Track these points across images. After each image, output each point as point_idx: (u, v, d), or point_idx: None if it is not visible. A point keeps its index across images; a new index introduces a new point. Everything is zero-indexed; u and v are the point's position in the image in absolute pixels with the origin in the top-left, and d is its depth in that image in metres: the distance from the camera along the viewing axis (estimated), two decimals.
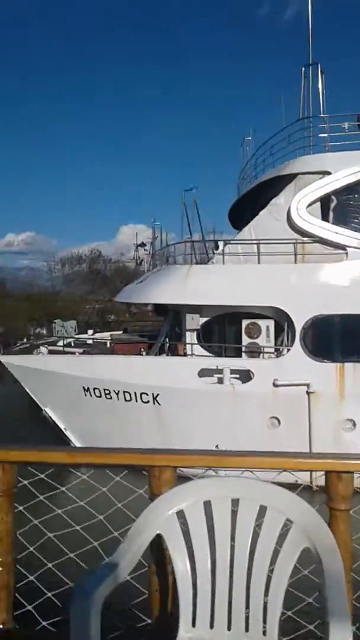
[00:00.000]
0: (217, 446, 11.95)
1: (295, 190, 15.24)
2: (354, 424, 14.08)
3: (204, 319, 15.64)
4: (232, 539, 2.27)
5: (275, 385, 14.05)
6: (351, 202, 15.17)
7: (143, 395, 14.97)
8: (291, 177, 15.55)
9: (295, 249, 14.71)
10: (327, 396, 14.13)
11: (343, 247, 14.63)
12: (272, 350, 14.94)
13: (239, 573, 2.22)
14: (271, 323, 14.87)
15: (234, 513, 2.31)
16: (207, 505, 2.32)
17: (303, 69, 16.69)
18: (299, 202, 15.00)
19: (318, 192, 15.09)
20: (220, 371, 14.47)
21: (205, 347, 15.63)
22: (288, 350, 14.57)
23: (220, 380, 14.42)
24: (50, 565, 3.20)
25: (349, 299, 14.19)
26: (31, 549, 3.12)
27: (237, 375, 14.57)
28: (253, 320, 14.96)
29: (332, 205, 15.14)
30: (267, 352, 14.98)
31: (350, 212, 15.17)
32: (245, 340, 15.07)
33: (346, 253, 14.54)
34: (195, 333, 15.72)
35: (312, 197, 15.09)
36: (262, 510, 2.28)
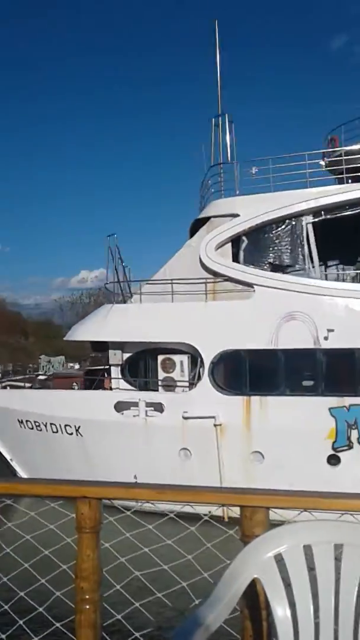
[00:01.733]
0: (135, 477, 13.25)
1: (207, 232, 16.73)
2: (262, 457, 14.76)
3: (129, 355, 17.02)
4: (337, 585, 2.19)
5: (184, 417, 15.09)
6: (260, 242, 16.49)
7: (67, 427, 16.34)
8: (205, 220, 17.14)
9: (205, 288, 16.10)
10: (234, 429, 14.98)
11: (250, 285, 15.83)
12: (186, 384, 16.11)
13: (344, 622, 2.13)
14: (185, 358, 16.16)
15: (337, 559, 2.24)
16: (308, 549, 2.26)
17: (213, 119, 18.46)
18: (208, 243, 16.48)
19: (227, 233, 16.53)
20: (137, 404, 15.73)
21: (129, 381, 17.01)
22: (197, 384, 15.71)
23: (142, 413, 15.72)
24: (137, 604, 3.19)
25: (255, 334, 15.21)
26: (118, 587, 3.13)
27: (152, 408, 15.77)
28: (168, 356, 16.33)
29: (243, 245, 16.60)
30: (180, 386, 16.17)
31: (259, 251, 16.52)
32: (162, 374, 16.38)
33: (253, 290, 15.70)
34: (119, 368, 17.08)
35: (221, 238, 16.50)
36: None
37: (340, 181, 16.95)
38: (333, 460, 14.60)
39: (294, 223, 16.33)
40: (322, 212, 16.14)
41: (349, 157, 17.26)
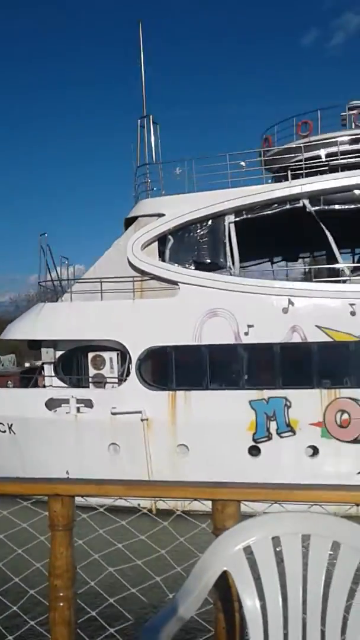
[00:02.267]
0: (67, 472, 13.95)
1: (135, 231, 17.41)
2: (187, 449, 15.45)
3: (62, 352, 17.59)
4: (304, 577, 2.24)
5: (112, 413, 15.73)
6: (184, 241, 17.22)
7: (0, 425, 16.79)
8: (132, 220, 17.79)
9: (133, 286, 16.74)
10: (160, 423, 15.66)
11: (175, 283, 16.49)
12: (115, 380, 16.74)
13: (312, 612, 2.18)
14: (114, 355, 16.77)
15: (305, 549, 2.29)
16: (276, 541, 2.31)
17: (139, 121, 18.92)
18: (135, 242, 17.12)
19: (153, 233, 17.19)
20: (68, 401, 16.29)
21: (62, 378, 17.57)
22: (125, 380, 16.37)
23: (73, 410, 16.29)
24: (111, 600, 3.22)
25: (180, 330, 15.88)
26: (92, 583, 3.16)
27: (83, 405, 16.33)
28: (98, 353, 16.91)
29: (169, 244, 17.21)
30: (110, 382, 16.81)
31: (184, 250, 17.24)
32: (92, 371, 16.99)
33: (178, 288, 16.36)
34: (52, 365, 17.65)
35: (148, 237, 17.16)
36: (335, 547, 2.25)
37: (277, 179, 17.87)
38: (254, 451, 15.36)
39: (216, 222, 17.07)
40: (244, 212, 16.89)
41: (277, 157, 18.51)
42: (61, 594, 2.91)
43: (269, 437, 15.29)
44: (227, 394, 15.56)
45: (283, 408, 15.23)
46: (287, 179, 16.93)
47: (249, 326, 15.58)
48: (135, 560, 3.24)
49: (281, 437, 15.23)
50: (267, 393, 15.37)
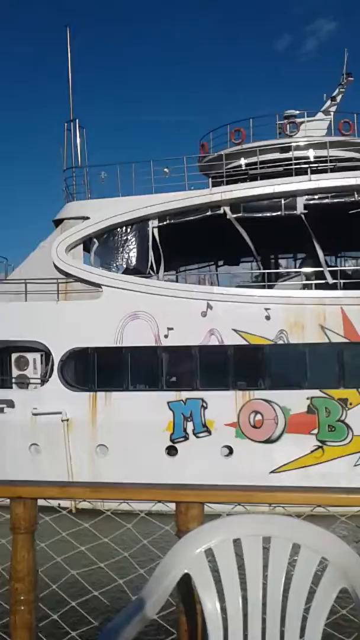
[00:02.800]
0: None
1: (60, 233, 17.86)
2: (107, 449, 15.92)
3: None
4: (264, 578, 2.27)
5: (33, 414, 16.10)
6: (109, 244, 17.84)
7: None
8: (59, 222, 18.26)
9: (57, 288, 17.12)
10: (81, 423, 16.09)
11: (98, 285, 16.95)
12: (38, 381, 17.13)
13: (272, 614, 2.21)
14: (38, 356, 17.12)
15: (266, 551, 2.31)
16: (238, 543, 2.33)
17: (65, 124, 19.42)
18: (59, 245, 17.50)
19: (77, 235, 17.66)
20: None
21: None
22: (47, 381, 16.77)
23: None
24: (73, 603, 3.21)
25: (102, 332, 16.35)
26: (54, 587, 3.14)
27: (5, 405, 16.65)
28: (21, 354, 17.22)
29: (94, 247, 17.79)
30: (33, 383, 17.18)
31: (109, 253, 17.90)
32: (16, 372, 17.27)
33: (101, 291, 16.84)
34: None
35: (72, 240, 17.62)
36: (296, 548, 2.28)
37: (215, 184, 18.34)
38: (171, 451, 15.88)
39: (140, 227, 17.71)
40: (167, 217, 17.46)
41: (213, 163, 19.27)
42: (22, 598, 2.88)
43: (186, 437, 15.86)
44: (146, 395, 16.21)
45: (199, 409, 15.84)
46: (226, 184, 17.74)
47: (169, 329, 16.15)
48: (98, 563, 3.24)
49: (197, 437, 15.83)
50: (185, 394, 15.95)
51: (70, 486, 3.02)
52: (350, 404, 15.52)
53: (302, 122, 19.72)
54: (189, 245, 18.65)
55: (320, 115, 20.45)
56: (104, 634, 2.00)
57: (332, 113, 20.41)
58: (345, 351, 15.80)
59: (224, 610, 2.26)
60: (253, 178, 17.90)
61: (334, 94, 20.57)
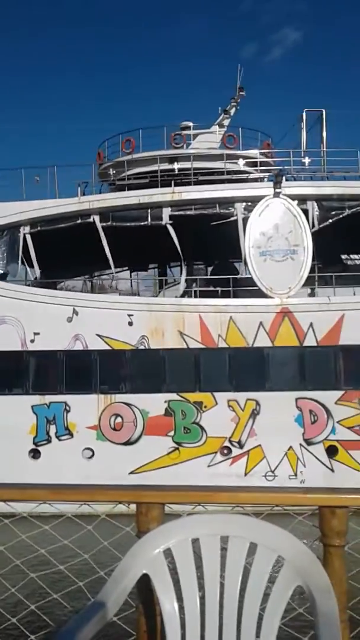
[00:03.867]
0: None
1: None
2: None
3: None
4: (222, 577, 2.31)
5: None
6: None
7: None
8: None
9: None
10: None
11: None
12: None
13: (229, 613, 2.25)
14: None
15: (224, 551, 2.35)
16: (196, 543, 2.36)
17: None
18: None
19: None
20: None
21: None
22: None
23: None
24: (33, 607, 3.20)
25: None
26: (13, 590, 3.13)
27: None
28: None
29: None
30: None
31: None
32: None
33: None
34: None
35: None
36: (253, 547, 2.32)
37: (113, 189, 19.75)
38: (34, 453, 16.57)
39: (12, 232, 18.31)
40: (39, 224, 18.30)
41: (107, 170, 20.36)
42: None
43: (49, 440, 16.59)
44: (11, 398, 16.78)
45: (62, 412, 16.59)
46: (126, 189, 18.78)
47: (35, 334, 16.85)
48: (57, 565, 3.24)
49: (60, 440, 16.60)
50: (48, 398, 16.66)
51: (30, 488, 3.01)
52: (205, 406, 16.47)
53: (187, 135, 20.87)
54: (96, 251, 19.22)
55: (215, 128, 21.39)
56: (60, 636, 2.01)
57: (225, 126, 21.45)
58: (201, 356, 16.75)
59: (182, 610, 2.29)
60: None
61: (227, 107, 21.47)
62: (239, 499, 2.81)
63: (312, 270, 17.75)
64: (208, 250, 21.48)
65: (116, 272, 24.40)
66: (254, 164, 20.00)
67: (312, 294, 17.97)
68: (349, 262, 23.37)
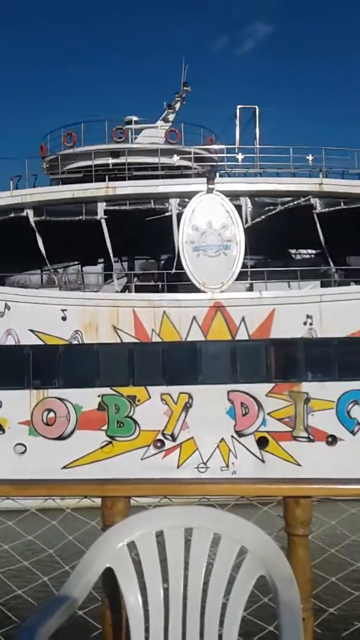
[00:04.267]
0: None
1: None
2: None
3: None
4: (186, 569, 2.32)
5: None
6: None
7: None
8: None
9: None
10: None
11: None
12: None
13: (192, 603, 2.26)
14: None
15: (188, 542, 2.36)
16: (160, 535, 2.37)
17: None
18: None
19: None
20: None
21: None
22: None
23: None
24: None
25: None
26: None
27: None
28: None
29: None
30: None
31: None
32: None
33: None
34: None
35: None
36: (217, 538, 2.33)
37: (56, 182, 19.75)
38: None
39: None
40: None
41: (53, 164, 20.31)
42: None
43: None
44: None
45: None
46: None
47: None
48: (22, 561, 3.22)
49: None
50: None
51: None
52: (139, 400, 16.73)
53: (129, 129, 21.05)
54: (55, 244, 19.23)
55: (160, 123, 21.61)
56: (22, 631, 2.00)
57: (170, 121, 21.69)
58: (135, 351, 16.99)
59: (146, 602, 2.30)
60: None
61: (172, 102, 21.71)
62: (205, 490, 2.83)
63: (249, 266, 18.12)
64: (154, 245, 21.70)
65: (65, 267, 24.90)
66: (197, 160, 20.22)
67: (250, 289, 18.39)
68: (298, 257, 24.19)
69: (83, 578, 2.27)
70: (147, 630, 2.26)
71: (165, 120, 21.69)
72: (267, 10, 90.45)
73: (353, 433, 16.91)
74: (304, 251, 24.44)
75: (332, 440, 16.84)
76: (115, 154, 20.02)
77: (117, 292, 19.55)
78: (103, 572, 2.36)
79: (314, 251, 23.89)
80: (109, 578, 2.44)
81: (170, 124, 21.60)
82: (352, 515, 3.03)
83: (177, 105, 21.83)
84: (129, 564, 2.32)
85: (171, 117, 21.74)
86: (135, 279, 20.07)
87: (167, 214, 18.12)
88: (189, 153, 20.07)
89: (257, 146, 20.25)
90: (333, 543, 3.07)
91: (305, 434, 16.85)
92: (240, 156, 19.82)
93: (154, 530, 2.35)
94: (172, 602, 2.28)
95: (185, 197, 17.96)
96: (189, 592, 2.28)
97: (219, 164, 19.86)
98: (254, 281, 18.72)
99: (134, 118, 21.45)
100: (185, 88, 21.71)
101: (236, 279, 17.87)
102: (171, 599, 2.28)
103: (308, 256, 24.41)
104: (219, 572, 2.27)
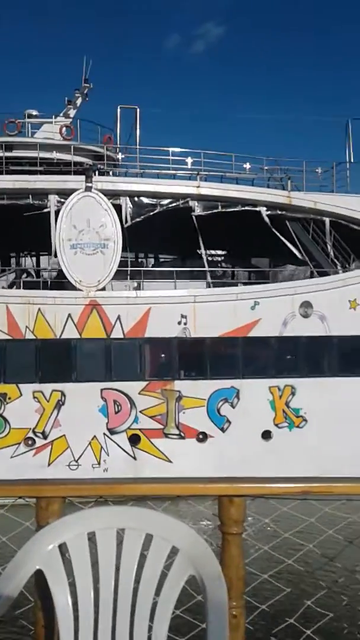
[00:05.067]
0: None
1: None
2: None
3: None
4: (118, 570, 2.34)
5: None
6: None
7: None
8: None
9: None
10: None
11: None
12: None
13: (122, 604, 2.28)
14: None
15: (121, 543, 2.38)
16: (93, 536, 2.38)
17: None
18: None
19: None
20: None
21: None
22: None
23: None
24: None
25: None
26: None
27: None
28: None
29: None
30: None
31: None
32: None
33: None
34: None
35: None
36: (149, 539, 2.36)
37: None
38: None
39: None
40: None
41: None
42: None
43: None
44: None
45: None
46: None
47: None
48: None
49: None
50: None
51: None
52: (9, 398, 16.91)
53: (24, 123, 21.10)
54: None
55: (60, 118, 21.79)
56: None
57: (71, 117, 21.85)
58: (7, 347, 17.13)
59: (76, 604, 2.31)
60: None
61: (73, 98, 21.93)
62: (140, 490, 2.85)
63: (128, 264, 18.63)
64: (34, 242, 22.01)
65: None
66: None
67: (138, 287, 18.65)
68: (210, 259, 24.66)
69: (12, 581, 2.27)
70: (76, 631, 2.27)
71: (66, 116, 21.79)
72: (218, 12, 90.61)
73: (223, 430, 17.47)
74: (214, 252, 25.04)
75: (202, 437, 17.35)
76: (8, 147, 19.95)
77: (3, 287, 19.60)
78: (35, 574, 2.36)
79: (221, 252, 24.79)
80: (40, 579, 2.44)
81: (70, 119, 21.71)
82: (284, 512, 3.11)
83: (79, 102, 21.99)
84: (60, 565, 2.33)
85: (72, 112, 21.88)
86: (25, 275, 20.29)
87: (45, 210, 18.20)
88: (70, 149, 20.18)
89: (138, 147, 20.56)
90: (266, 541, 3.14)
91: (177, 431, 17.29)
92: (120, 155, 20.46)
93: (86, 532, 2.36)
94: (102, 603, 2.30)
95: (65, 194, 18.06)
96: (119, 593, 2.30)
97: (97, 163, 20.13)
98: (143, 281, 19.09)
99: (34, 112, 21.52)
100: (85, 84, 21.94)
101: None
102: (101, 600, 2.30)
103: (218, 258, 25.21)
104: (150, 572, 2.31)
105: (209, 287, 18.97)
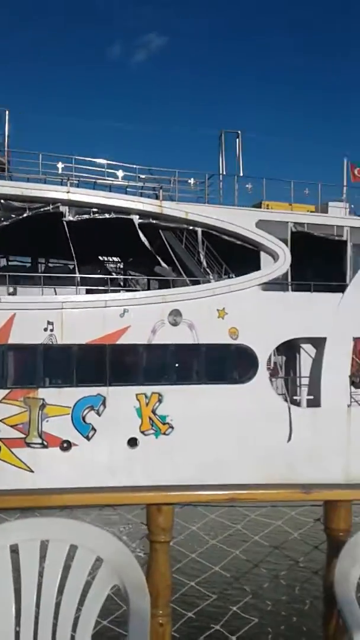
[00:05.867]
0: None
1: None
2: None
3: None
4: (40, 582, 2.31)
5: None
6: None
7: None
8: None
9: None
10: None
11: None
12: None
13: (44, 617, 2.27)
14: None
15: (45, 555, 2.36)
16: (15, 549, 2.35)
17: None
18: None
19: None
20: None
21: None
22: None
23: None
24: None
25: None
26: None
27: None
28: None
29: None
30: None
31: None
32: None
33: None
34: None
35: None
36: (73, 550, 2.35)
37: None
38: None
39: None
40: None
41: None
42: None
43: None
44: None
45: None
46: None
47: None
48: None
49: None
50: None
51: None
52: None
53: None
54: None
55: None
56: None
57: None
58: None
59: None
60: None
61: None
62: (66, 500, 2.82)
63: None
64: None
65: None
66: None
67: (13, 293, 18.51)
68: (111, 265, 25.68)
69: None
70: None
71: None
72: (159, 22, 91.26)
73: (88, 438, 17.47)
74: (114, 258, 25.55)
75: (66, 445, 17.28)
76: None
77: None
78: None
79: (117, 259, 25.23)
80: None
81: None
82: (211, 520, 3.15)
83: None
84: None
85: None
86: None
87: None
88: None
89: (8, 149, 20.57)
90: (193, 548, 3.17)
91: (39, 440, 17.14)
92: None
93: (8, 544, 2.33)
94: (24, 616, 2.27)
95: None
96: (41, 605, 2.28)
97: None
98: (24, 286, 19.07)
99: None
100: None
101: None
102: (23, 613, 2.27)
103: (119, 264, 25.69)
104: (73, 583, 2.30)
105: (78, 293, 18.87)
